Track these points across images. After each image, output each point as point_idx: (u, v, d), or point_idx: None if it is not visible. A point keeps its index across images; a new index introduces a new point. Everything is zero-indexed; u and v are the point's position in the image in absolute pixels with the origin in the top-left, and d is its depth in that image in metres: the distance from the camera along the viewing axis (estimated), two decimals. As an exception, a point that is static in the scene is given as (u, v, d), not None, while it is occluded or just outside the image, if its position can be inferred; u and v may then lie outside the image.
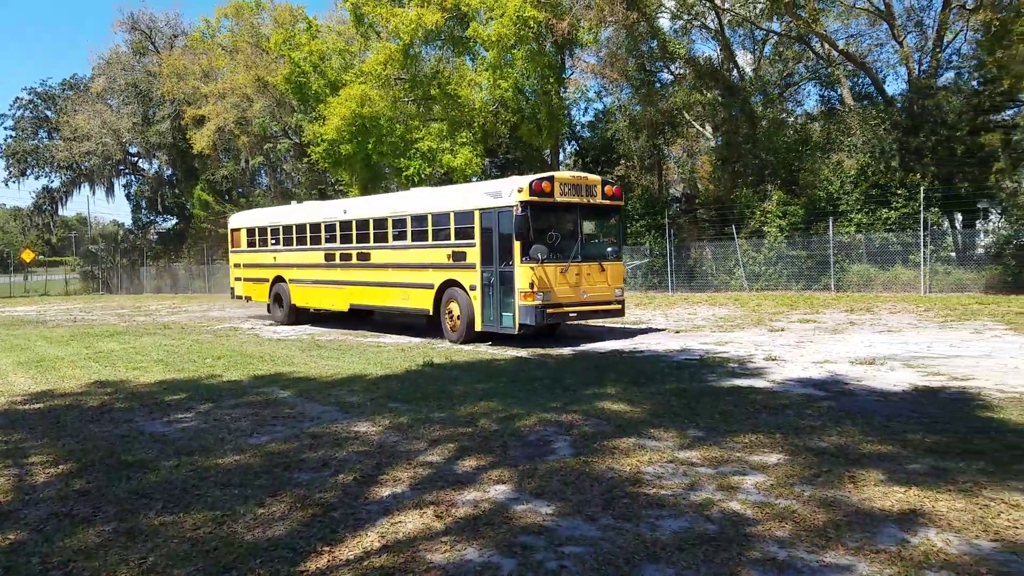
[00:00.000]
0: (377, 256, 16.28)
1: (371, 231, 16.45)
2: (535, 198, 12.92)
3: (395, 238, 15.72)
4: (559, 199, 13.31)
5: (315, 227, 18.38)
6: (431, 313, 14.82)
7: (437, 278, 14.57)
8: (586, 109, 54.62)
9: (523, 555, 4.06)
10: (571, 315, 13.38)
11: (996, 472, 5.24)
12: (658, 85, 31.98)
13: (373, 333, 16.92)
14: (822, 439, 6.25)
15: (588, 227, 14.27)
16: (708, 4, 27.43)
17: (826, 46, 26.60)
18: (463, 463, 5.84)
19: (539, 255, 12.81)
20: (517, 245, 12.85)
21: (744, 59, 33.07)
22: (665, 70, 32.29)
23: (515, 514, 4.70)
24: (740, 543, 4.14)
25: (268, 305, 20.34)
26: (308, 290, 18.67)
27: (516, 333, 13.12)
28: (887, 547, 4.04)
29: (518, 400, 8.18)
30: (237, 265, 21.83)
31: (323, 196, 44.89)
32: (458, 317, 14.12)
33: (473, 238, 13.76)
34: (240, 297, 21.75)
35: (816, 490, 4.99)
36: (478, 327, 13.71)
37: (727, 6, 27.81)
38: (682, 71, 30.82)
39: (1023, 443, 5.98)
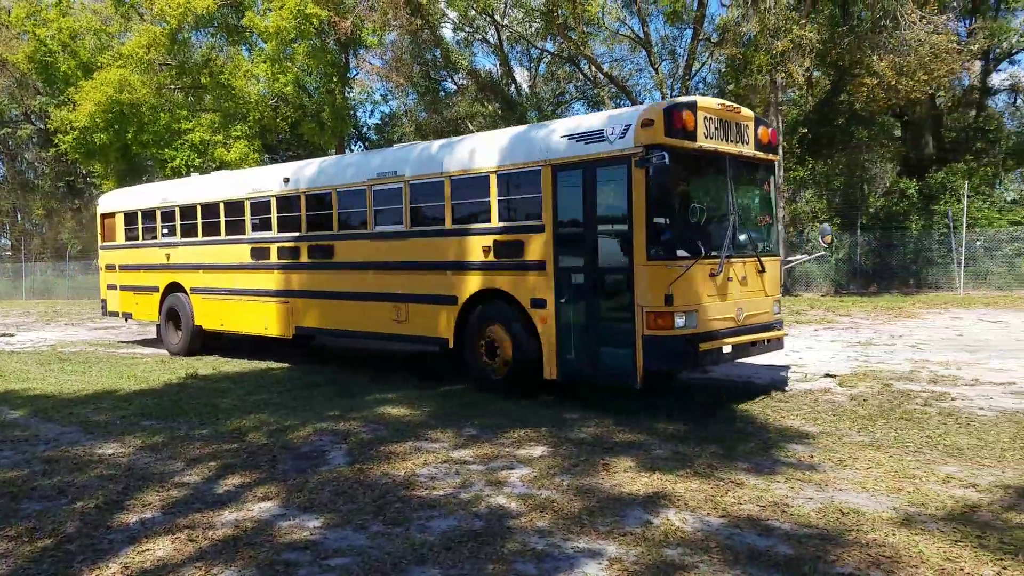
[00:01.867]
0: (348, 251, 10.13)
1: (335, 211, 10.28)
2: (671, 140, 7.10)
3: (381, 222, 9.73)
4: (704, 145, 7.49)
5: (234, 208, 11.82)
6: (449, 345, 8.89)
7: (464, 286, 8.68)
8: (372, 111, 54.07)
9: (285, 572, 3.90)
10: (726, 352, 7.58)
11: (728, 454, 5.94)
12: (443, 94, 32.49)
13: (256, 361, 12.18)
14: (582, 430, 6.70)
15: (741, 195, 8.35)
16: (488, 19, 28.35)
17: (593, 68, 28.61)
18: (225, 482, 5.49)
19: (679, 245, 7.20)
20: (640, 226, 7.04)
21: (521, 75, 34.62)
22: (449, 79, 32.88)
23: (280, 531, 4.50)
24: (503, 536, 4.31)
25: (158, 326, 13.70)
26: (223, 305, 12.17)
27: (638, 386, 7.22)
28: (633, 529, 4.42)
29: (293, 410, 7.86)
30: (110, 267, 14.66)
31: (72, 191, 40.16)
32: (505, 353, 8.29)
33: (539, 216, 7.89)
34: (116, 314, 14.73)
35: (574, 479, 5.33)
36: (550, 372, 7.86)
37: (506, 23, 28.93)
38: (465, 82, 31.57)
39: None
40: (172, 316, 13.10)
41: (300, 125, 28.01)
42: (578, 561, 3.99)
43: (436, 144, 9.59)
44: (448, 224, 8.87)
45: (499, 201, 8.34)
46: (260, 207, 11.40)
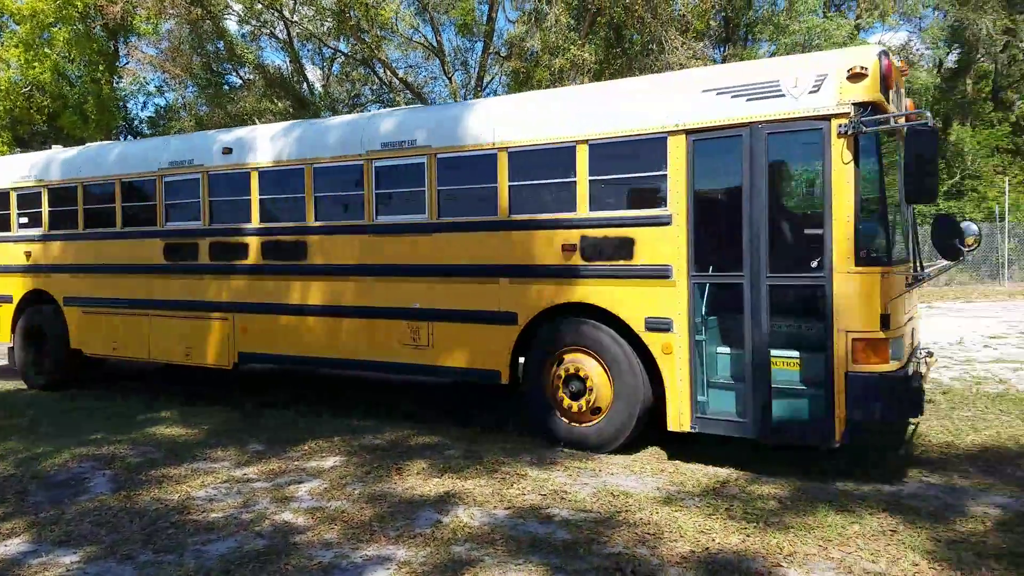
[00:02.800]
0: (331, 249, 7.49)
1: (309, 196, 7.58)
2: (877, 99, 5.24)
3: (387, 210, 7.23)
4: (893, 110, 5.62)
5: (139, 189, 8.82)
6: (502, 379, 6.59)
7: (529, 299, 6.46)
8: (146, 103, 49.69)
9: (33, 616, 3.49)
10: None
11: (515, 448, 6.18)
12: (227, 88, 30.66)
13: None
14: (377, 437, 6.65)
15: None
16: (276, 14, 27.22)
17: (388, 72, 28.49)
18: (-41, 521, 4.79)
19: (888, 247, 5.36)
20: (845, 218, 5.14)
21: (314, 74, 33.62)
22: (234, 73, 31.12)
23: (29, 570, 4.01)
24: (288, 553, 4.17)
25: (10, 349, 10.25)
26: (117, 322, 8.99)
27: (836, 444, 5.21)
28: (423, 530, 4.47)
29: (47, 436, 7.01)
30: None
31: None
32: (598, 393, 6.08)
33: (662, 202, 5.82)
34: None
35: (366, 487, 5.28)
36: (678, 422, 5.74)
37: (296, 19, 27.96)
38: (252, 77, 30.05)
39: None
40: (32, 336, 9.62)
41: (59, 116, 25.08)
42: (366, 569, 3.96)
43: (481, 103, 7.27)
44: (503, 213, 6.52)
45: (591, 182, 6.11)
46: (182, 188, 8.39)
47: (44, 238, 9.58)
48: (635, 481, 5.38)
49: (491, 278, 6.59)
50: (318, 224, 7.50)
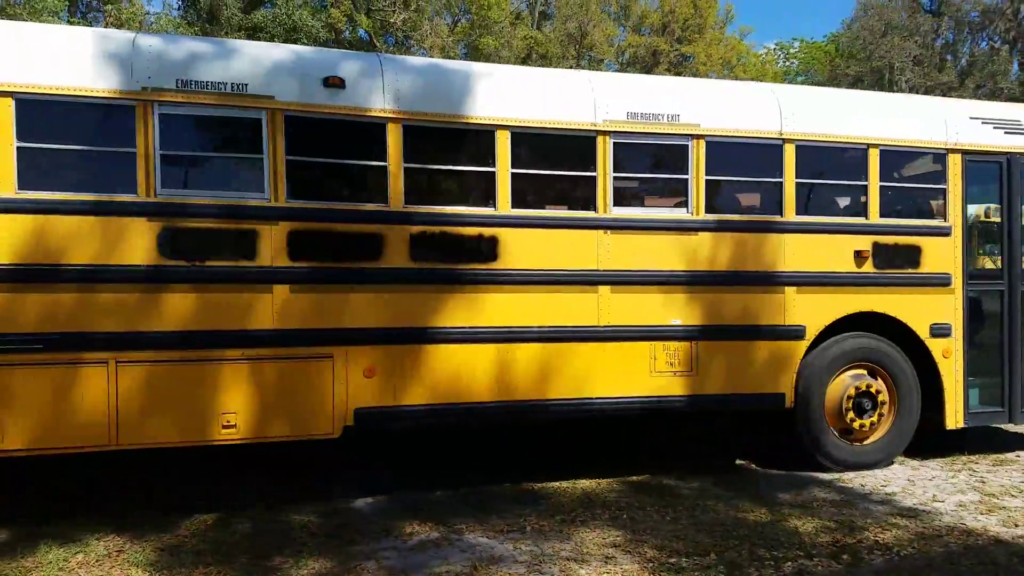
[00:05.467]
0: (537, 249, 5.68)
1: (500, 168, 5.59)
2: None
3: (626, 200, 5.96)
4: None
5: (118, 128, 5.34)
6: (787, 403, 6.10)
7: (816, 310, 6.11)
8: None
9: None
10: None
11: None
12: None
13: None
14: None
15: None
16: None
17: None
18: None
19: None
20: None
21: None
22: None
23: None
24: None
25: None
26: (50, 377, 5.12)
27: None
28: None
29: None
30: None
31: None
32: (882, 411, 6.33)
33: (941, 214, 6.44)
34: None
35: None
36: (953, 421, 6.42)
37: None
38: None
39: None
40: None
41: None
42: None
43: (770, 87, 6.57)
44: (788, 213, 6.06)
45: (881, 187, 6.21)
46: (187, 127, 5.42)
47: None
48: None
49: (774, 287, 6.01)
50: (516, 213, 5.65)
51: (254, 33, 22.96)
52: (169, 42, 5.46)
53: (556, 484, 6.07)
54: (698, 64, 30.97)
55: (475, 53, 26.44)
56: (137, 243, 5.02)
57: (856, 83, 29.02)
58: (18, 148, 4.85)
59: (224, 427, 5.17)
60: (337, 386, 5.34)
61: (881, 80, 29.49)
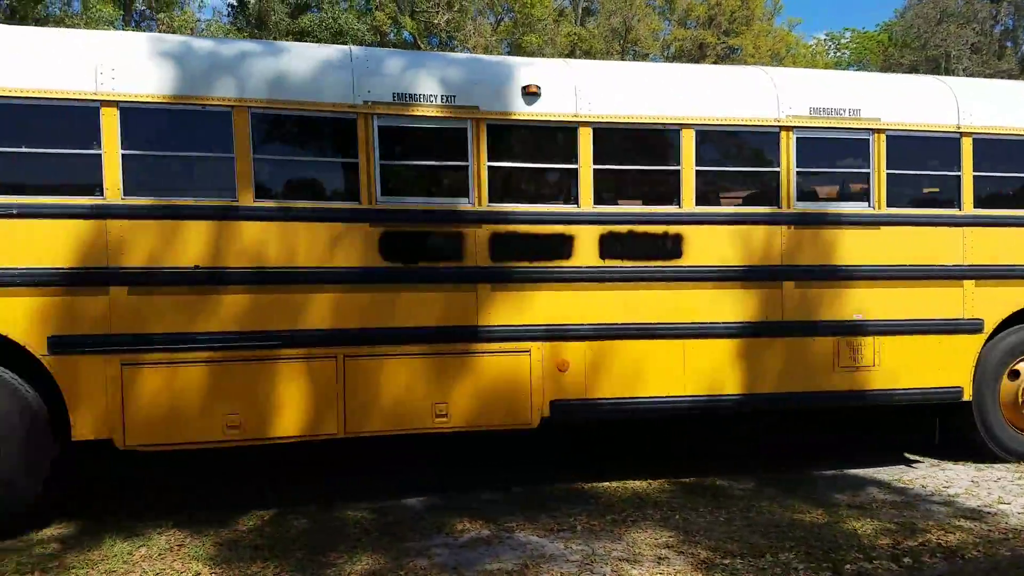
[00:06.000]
0: (717, 243, 5.84)
1: (686, 166, 5.76)
2: None
3: (809, 195, 6.09)
4: None
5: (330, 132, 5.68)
6: (965, 396, 6.16)
7: (995, 303, 6.21)
8: None
9: None
10: None
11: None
12: None
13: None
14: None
15: None
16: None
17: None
18: None
19: None
20: None
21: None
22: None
23: None
24: None
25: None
26: (254, 373, 5.28)
27: None
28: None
29: None
30: None
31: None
32: None
33: None
34: None
35: None
36: None
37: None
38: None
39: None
40: None
41: None
42: None
43: (944, 82, 6.55)
44: (966, 207, 6.10)
45: None
46: (404, 139, 5.61)
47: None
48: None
49: (952, 281, 6.10)
50: (699, 211, 5.79)
51: (301, 38, 23.38)
52: (383, 56, 5.87)
53: (606, 484, 6.03)
54: (746, 56, 30.51)
55: (518, 51, 26.48)
56: (360, 247, 5.34)
57: (911, 72, 28.19)
58: (255, 159, 5.19)
59: (437, 416, 5.49)
60: (534, 379, 5.60)
61: (937, 69, 28.65)
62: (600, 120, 5.68)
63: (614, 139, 5.77)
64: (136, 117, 5.08)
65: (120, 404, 5.01)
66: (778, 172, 5.87)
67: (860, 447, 7.15)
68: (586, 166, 5.64)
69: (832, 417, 7.37)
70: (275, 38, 23.73)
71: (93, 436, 5.02)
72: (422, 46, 26.25)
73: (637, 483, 6.06)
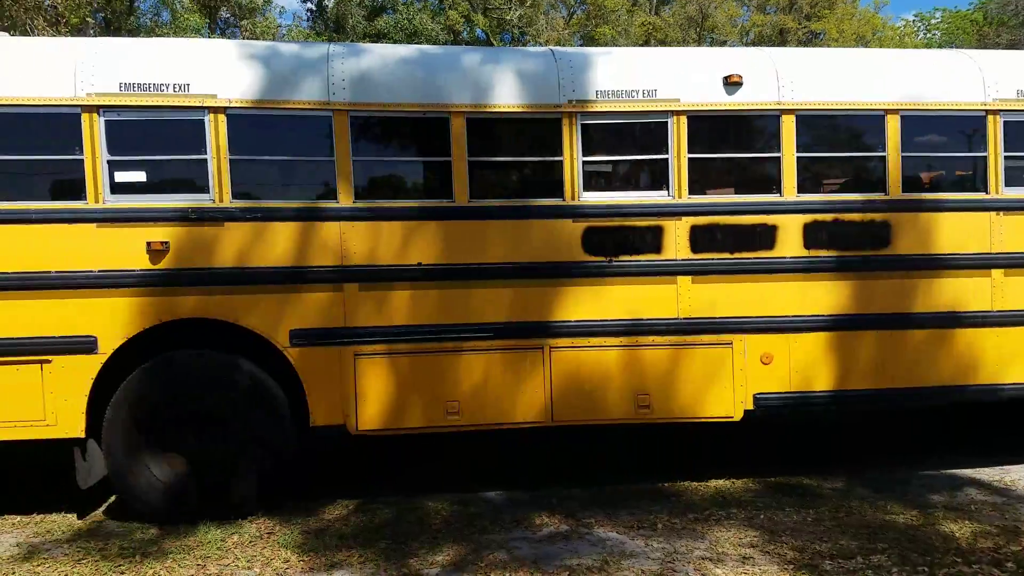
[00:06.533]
0: (926, 234, 5.76)
1: (892, 151, 5.70)
2: None
3: (1018, 177, 5.86)
4: None
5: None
6: None
7: None
8: None
9: None
10: None
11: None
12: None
13: None
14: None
15: None
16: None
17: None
18: None
19: None
20: None
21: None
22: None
23: None
24: None
25: (81, 448, 5.10)
26: (457, 364, 5.52)
27: None
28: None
29: None
30: None
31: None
32: None
33: None
34: None
35: None
36: None
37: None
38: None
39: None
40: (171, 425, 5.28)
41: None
42: None
43: None
44: None
45: None
46: (628, 133, 5.75)
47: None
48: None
49: None
50: (907, 198, 5.71)
51: (377, 39, 23.88)
52: (585, 55, 5.95)
53: (687, 483, 5.94)
54: (829, 40, 29.47)
55: (591, 43, 26.35)
56: (564, 242, 5.51)
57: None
58: (469, 163, 5.44)
59: (639, 408, 5.61)
60: (737, 372, 5.64)
61: (1038, 46, 26.88)
62: (803, 107, 5.63)
63: (817, 126, 5.74)
64: (362, 126, 5.43)
65: (353, 392, 5.37)
66: (985, 157, 5.76)
67: (955, 446, 6.82)
68: (789, 154, 5.62)
69: (926, 416, 7.05)
70: (352, 40, 24.31)
71: (329, 422, 5.38)
72: (494, 43, 26.40)
73: (719, 482, 5.95)
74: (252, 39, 22.51)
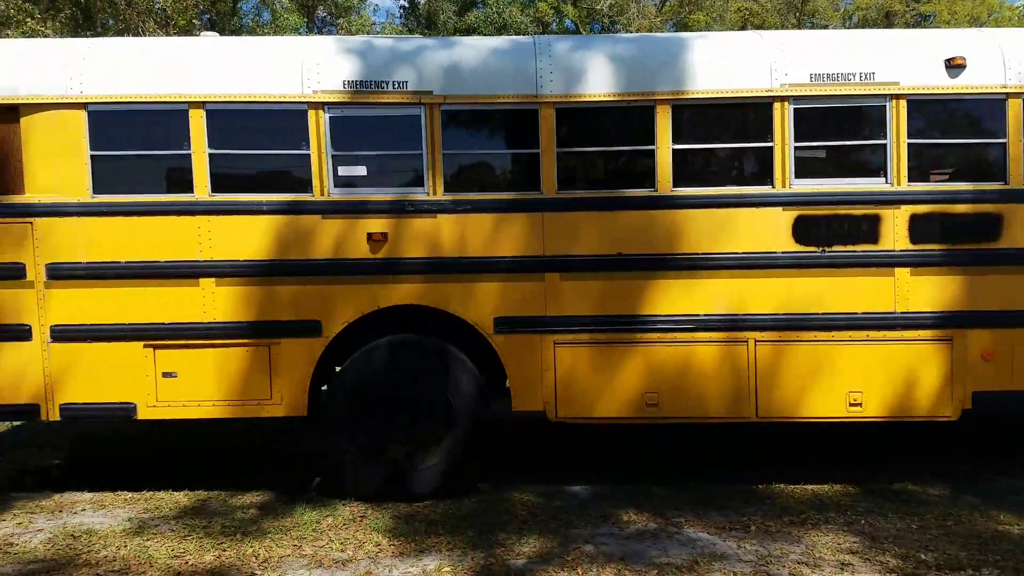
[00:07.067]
0: None
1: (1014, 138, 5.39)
2: None
3: None
4: None
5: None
6: None
7: None
8: None
9: None
10: None
11: None
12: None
13: None
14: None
15: None
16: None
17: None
18: None
19: None
20: None
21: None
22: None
23: None
24: None
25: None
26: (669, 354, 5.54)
27: None
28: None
29: None
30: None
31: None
32: None
33: None
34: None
35: None
36: None
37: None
38: None
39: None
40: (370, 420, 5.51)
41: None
42: None
43: None
44: None
45: None
46: (837, 119, 5.57)
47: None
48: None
49: None
50: None
51: (468, 34, 24.08)
52: (796, 38, 5.95)
53: (782, 486, 5.73)
54: (940, 23, 27.72)
55: (684, 31, 25.73)
56: (772, 231, 5.43)
57: None
58: (673, 150, 5.43)
59: (851, 405, 5.49)
60: (956, 369, 5.45)
61: None
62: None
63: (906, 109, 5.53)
64: (569, 117, 5.48)
65: (553, 379, 5.50)
66: None
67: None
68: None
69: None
70: (444, 35, 24.63)
71: (528, 408, 5.53)
72: (583, 33, 26.19)
73: (816, 486, 5.71)
74: (347, 36, 23.11)
